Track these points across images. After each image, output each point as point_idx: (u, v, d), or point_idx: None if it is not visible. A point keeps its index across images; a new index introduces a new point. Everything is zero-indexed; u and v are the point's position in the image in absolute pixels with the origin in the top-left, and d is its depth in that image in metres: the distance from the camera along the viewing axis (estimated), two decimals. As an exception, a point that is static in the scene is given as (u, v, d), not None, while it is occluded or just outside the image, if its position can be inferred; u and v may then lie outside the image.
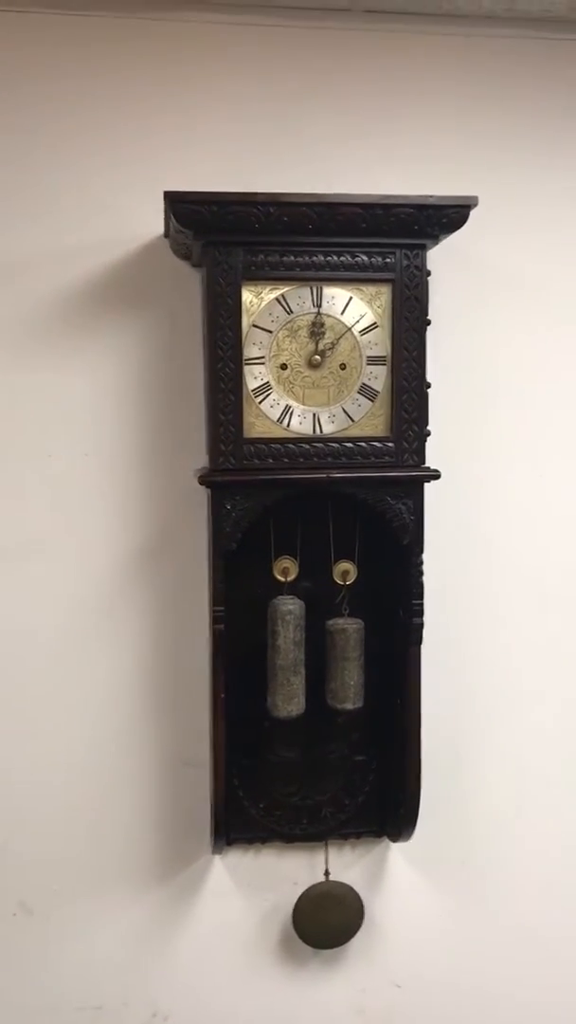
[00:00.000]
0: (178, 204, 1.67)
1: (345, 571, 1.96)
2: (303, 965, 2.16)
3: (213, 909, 2.14)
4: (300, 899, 2.10)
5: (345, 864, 2.17)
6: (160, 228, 1.98)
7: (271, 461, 1.80)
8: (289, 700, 1.91)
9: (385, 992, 2.23)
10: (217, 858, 2.13)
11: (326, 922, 2.11)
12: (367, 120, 2.04)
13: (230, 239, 1.73)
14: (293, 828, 2.11)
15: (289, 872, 2.16)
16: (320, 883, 2.11)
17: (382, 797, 2.12)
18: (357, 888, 2.13)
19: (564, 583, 2.20)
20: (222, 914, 2.14)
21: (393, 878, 2.20)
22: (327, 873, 2.12)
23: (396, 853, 2.20)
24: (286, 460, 1.80)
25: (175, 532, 2.05)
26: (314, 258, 1.78)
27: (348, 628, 1.93)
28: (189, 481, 2.01)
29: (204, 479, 1.77)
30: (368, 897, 2.16)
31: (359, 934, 2.14)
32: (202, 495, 2.01)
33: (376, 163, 2.02)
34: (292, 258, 1.77)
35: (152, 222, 1.97)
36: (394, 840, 2.06)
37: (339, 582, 1.97)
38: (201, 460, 2.02)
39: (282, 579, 1.95)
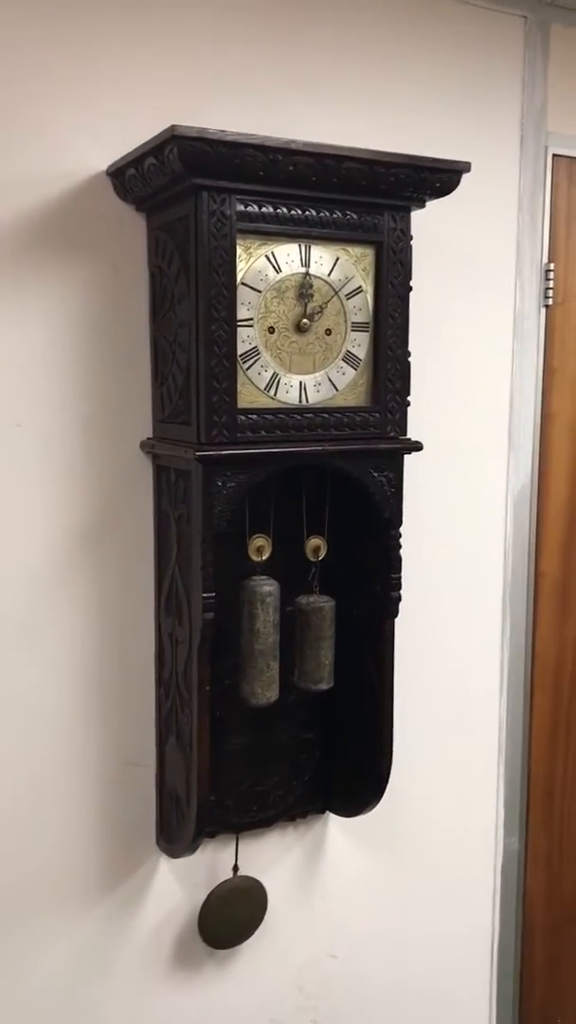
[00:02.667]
0: (186, 141, 1.48)
1: (316, 547, 1.90)
2: (237, 955, 2.12)
3: (156, 913, 2.02)
4: (207, 900, 2.04)
5: (287, 846, 2.14)
6: (100, 163, 1.75)
7: (264, 433, 1.69)
8: (268, 687, 1.84)
9: (323, 964, 2.25)
10: (162, 860, 2.00)
11: (234, 918, 2.06)
12: (319, 65, 1.95)
13: (228, 185, 1.58)
14: (243, 817, 2.04)
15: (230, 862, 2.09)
16: (227, 880, 2.06)
17: (326, 774, 2.11)
18: (295, 866, 2.12)
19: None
20: (163, 916, 2.03)
21: (333, 853, 2.22)
22: (235, 868, 2.06)
23: (335, 828, 2.21)
24: (278, 432, 1.70)
25: (116, 509, 1.86)
26: (307, 212, 1.68)
27: (324, 607, 1.88)
28: (133, 453, 1.84)
29: (200, 454, 1.62)
30: (306, 876, 2.16)
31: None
32: (146, 468, 1.85)
33: (326, 116, 1.95)
34: (285, 211, 1.66)
35: (90, 156, 1.74)
36: (353, 815, 2.06)
37: (310, 558, 1.91)
38: (145, 429, 1.85)
39: (257, 558, 1.85)
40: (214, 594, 1.69)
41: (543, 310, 2.31)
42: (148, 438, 1.86)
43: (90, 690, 1.87)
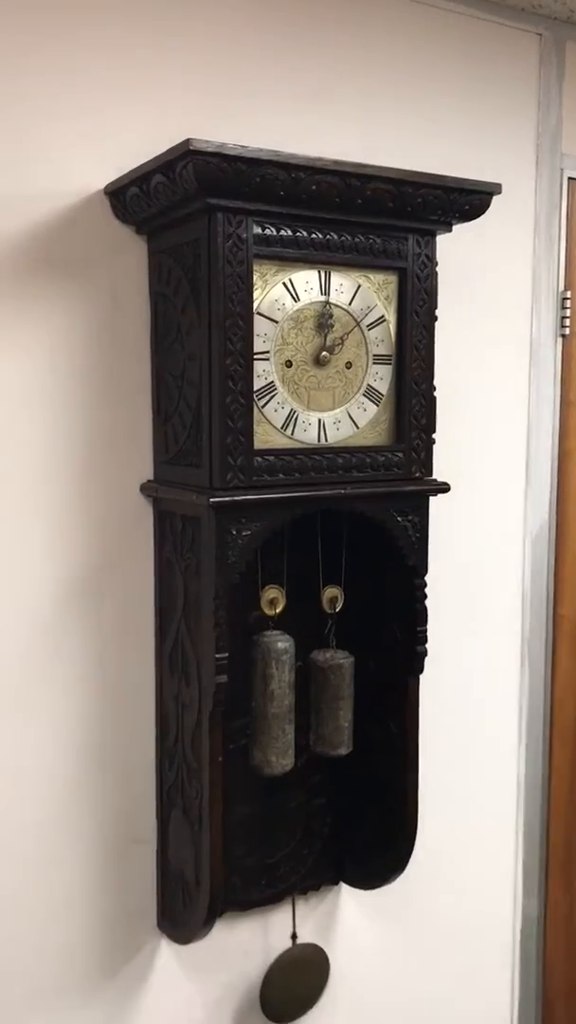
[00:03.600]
0: (202, 157, 1.35)
1: (333, 598, 1.76)
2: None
3: (163, 1003, 1.85)
4: (269, 971, 1.89)
5: (299, 919, 1.99)
6: (96, 182, 1.62)
7: (281, 476, 1.55)
8: (284, 754, 1.69)
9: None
10: (163, 943, 1.83)
11: (294, 991, 1.92)
12: (326, 84, 1.84)
13: (245, 206, 1.45)
14: (250, 893, 1.88)
15: (242, 942, 1.93)
16: (288, 949, 1.91)
17: (340, 842, 1.97)
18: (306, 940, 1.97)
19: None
20: (172, 1008, 1.86)
21: (346, 924, 2.06)
22: (294, 936, 1.92)
23: (347, 896, 2.06)
24: (297, 475, 1.57)
25: (114, 557, 1.72)
26: (328, 236, 1.55)
27: (343, 664, 1.74)
28: (132, 496, 1.70)
29: (215, 500, 1.47)
30: (330, 951, 2.00)
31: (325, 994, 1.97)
32: (145, 512, 1.71)
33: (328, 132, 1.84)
34: (305, 235, 1.53)
35: (85, 174, 1.61)
36: (371, 887, 1.91)
37: (327, 610, 1.77)
38: (144, 471, 1.71)
39: (270, 612, 1.70)
40: (227, 655, 1.54)
41: (559, 340, 2.21)
42: (149, 480, 1.72)
43: (86, 756, 1.71)
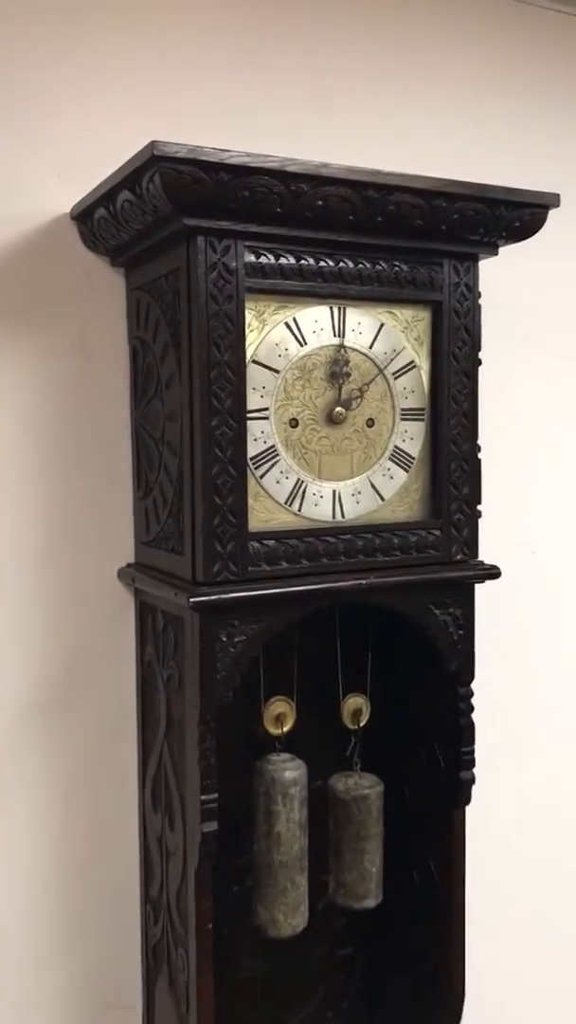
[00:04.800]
0: (170, 164, 1.07)
1: (357, 709, 1.44)
2: None
3: None
4: None
5: None
6: (62, 204, 1.35)
7: (284, 565, 1.25)
8: (294, 911, 1.37)
9: None
10: None
11: None
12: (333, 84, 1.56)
13: (233, 227, 1.16)
14: (261, 1070, 1.54)
15: None
16: None
17: (371, 1001, 1.62)
18: None
19: None
20: None
21: None
22: None
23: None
24: (304, 561, 1.26)
25: (89, 660, 1.43)
26: (341, 264, 1.26)
27: (370, 794, 1.41)
28: (109, 584, 1.40)
29: (196, 600, 1.17)
30: None
31: None
32: (127, 602, 1.41)
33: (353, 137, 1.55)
34: (311, 262, 1.24)
35: (49, 195, 1.34)
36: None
37: (349, 725, 1.44)
38: (125, 552, 1.41)
39: (276, 731, 1.38)
40: (216, 796, 1.22)
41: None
42: (128, 565, 1.42)
43: (58, 904, 1.41)
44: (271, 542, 1.24)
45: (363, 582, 1.29)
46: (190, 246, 1.17)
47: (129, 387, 1.42)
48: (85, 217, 1.33)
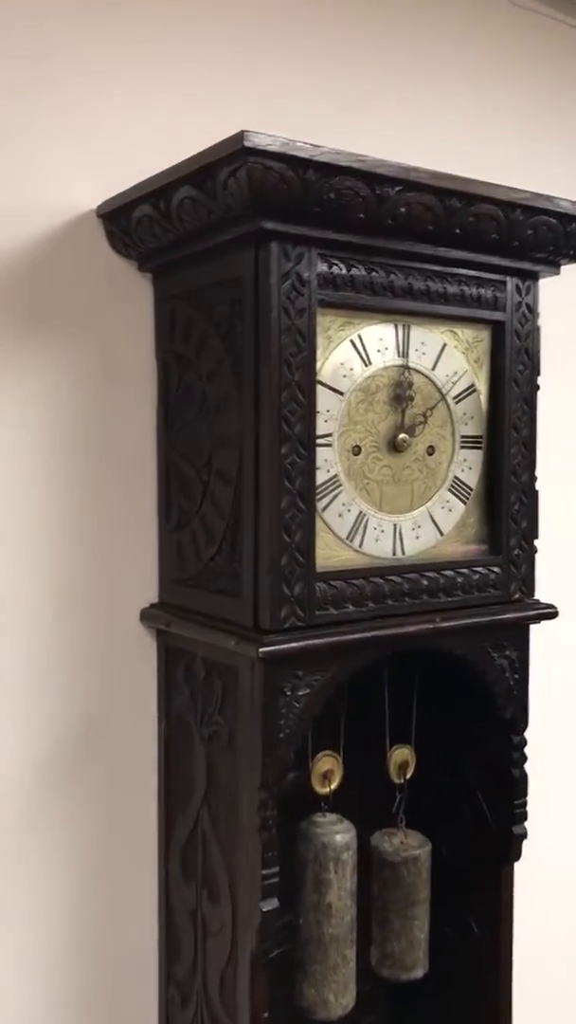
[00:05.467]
0: (259, 159, 0.95)
1: (404, 762, 1.34)
2: None
3: None
4: None
5: None
6: (87, 200, 1.21)
7: (351, 608, 1.14)
8: (345, 989, 1.25)
9: None
10: None
11: None
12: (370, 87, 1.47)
13: (309, 233, 1.05)
14: None
15: None
16: None
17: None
18: None
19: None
20: None
21: None
22: None
23: None
24: (370, 604, 1.16)
25: (101, 712, 1.27)
26: (410, 279, 1.16)
27: (420, 854, 1.31)
28: (127, 627, 1.27)
29: (267, 651, 1.05)
30: None
31: None
32: (146, 648, 1.27)
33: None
34: (381, 275, 1.14)
35: (70, 188, 1.21)
36: None
37: (394, 778, 1.33)
38: (146, 592, 1.28)
39: (322, 789, 1.27)
40: (278, 870, 1.10)
41: None
42: (153, 606, 1.28)
43: (66, 980, 1.25)
44: (338, 583, 1.13)
45: (431, 626, 1.19)
46: (260, 252, 1.05)
47: (156, 407, 1.28)
48: (119, 215, 1.19)
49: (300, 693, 1.10)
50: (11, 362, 1.19)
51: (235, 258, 1.09)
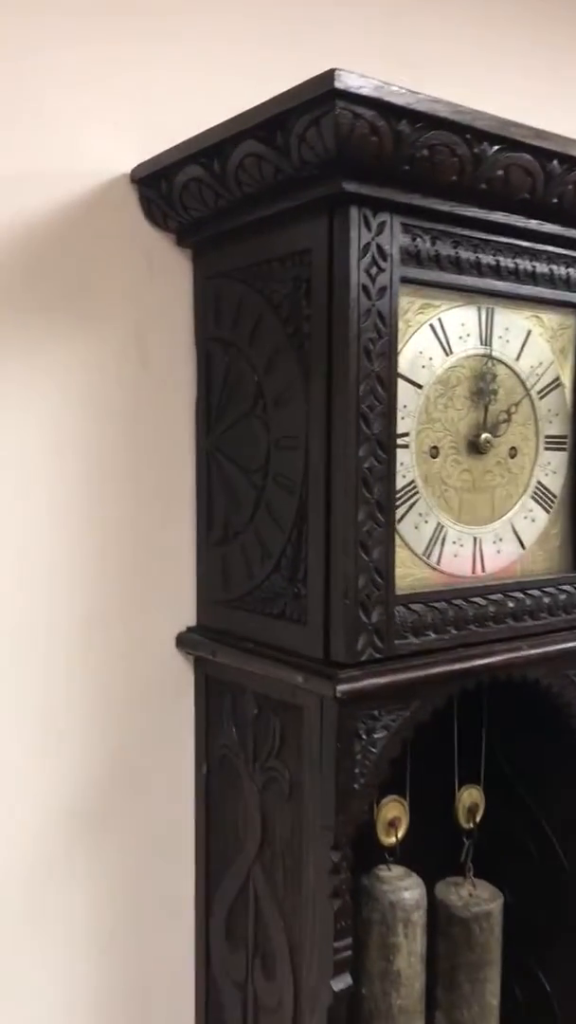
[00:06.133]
0: (349, 105, 0.80)
1: (473, 805, 1.19)
2: None
3: None
4: None
5: None
6: (118, 163, 1.05)
7: (432, 636, 0.99)
8: (416, 1068, 1.09)
9: None
10: None
11: None
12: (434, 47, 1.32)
13: (394, 197, 0.90)
14: None
15: None
16: None
17: None
18: None
19: None
20: None
21: None
22: None
23: None
24: (452, 631, 1.01)
25: (137, 757, 1.11)
26: (498, 257, 1.02)
27: (492, 909, 1.17)
28: (159, 651, 1.10)
29: (346, 688, 0.89)
30: None
31: None
32: (183, 676, 1.12)
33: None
34: (469, 252, 0.99)
35: (97, 148, 1.05)
36: None
37: (463, 823, 1.19)
38: (182, 613, 1.12)
39: (387, 839, 1.12)
40: (351, 942, 0.95)
41: None
42: (190, 629, 1.13)
43: None
44: (418, 606, 0.98)
45: (519, 654, 1.04)
46: (336, 220, 0.90)
47: (196, 402, 1.12)
48: (158, 179, 1.03)
49: (377, 736, 0.95)
50: (32, 354, 1.03)
51: (303, 227, 0.94)
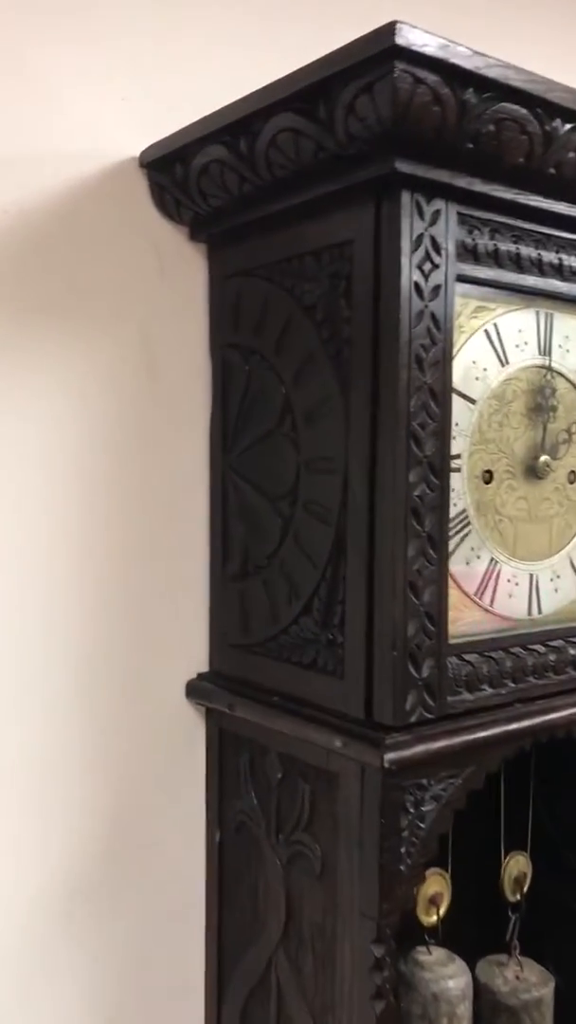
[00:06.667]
0: (409, 66, 0.67)
1: (520, 875, 1.05)
2: None
3: None
4: None
5: None
6: (127, 146, 0.92)
7: (487, 690, 0.86)
8: None
9: None
10: None
11: None
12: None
13: (453, 181, 0.77)
14: None
15: None
16: None
17: None
18: None
19: None
20: None
21: None
22: None
23: None
24: (510, 684, 0.88)
25: (140, 824, 0.97)
26: (560, 254, 0.89)
27: (544, 996, 1.03)
28: (167, 701, 0.97)
29: (394, 757, 0.76)
30: None
31: None
32: (193, 728, 0.98)
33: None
34: (530, 249, 0.87)
35: (101, 128, 0.92)
36: None
37: (508, 895, 1.05)
38: (192, 658, 0.99)
39: (428, 919, 0.98)
40: (398, 1049, 0.81)
41: None
42: (201, 676, 0.99)
43: None
44: (472, 656, 0.85)
45: (583, 710, 0.91)
46: (384, 207, 0.77)
47: (210, 417, 0.99)
48: (171, 163, 0.90)
49: (425, 809, 0.82)
50: (23, 369, 0.89)
51: (344, 216, 0.81)
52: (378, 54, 0.67)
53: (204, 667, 1.01)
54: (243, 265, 0.94)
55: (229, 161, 0.84)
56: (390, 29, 0.66)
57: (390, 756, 0.77)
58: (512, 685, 0.88)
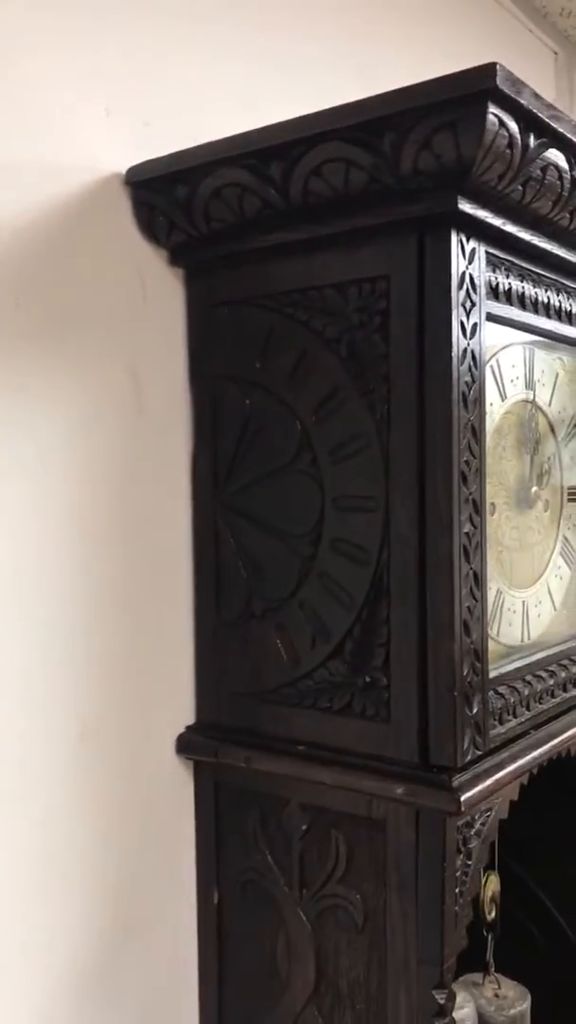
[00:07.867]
0: (497, 111, 0.69)
1: (495, 893, 1.09)
2: None
3: None
4: None
5: None
6: (110, 161, 0.87)
7: (513, 720, 0.89)
8: None
9: None
10: None
11: None
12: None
13: (494, 221, 0.80)
14: None
15: None
16: None
17: None
18: None
19: None
20: None
21: None
22: None
23: None
24: (526, 712, 0.92)
25: (138, 896, 0.91)
26: (550, 293, 0.95)
27: (524, 1011, 1.08)
28: (152, 759, 0.93)
29: (470, 798, 0.77)
30: None
31: None
32: (181, 788, 0.94)
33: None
34: (539, 287, 0.92)
35: (84, 140, 0.85)
36: None
37: (486, 915, 1.09)
38: (177, 711, 0.95)
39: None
40: None
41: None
42: (189, 728, 0.94)
43: None
44: (503, 688, 0.87)
45: (582, 729, 0.96)
46: (430, 243, 0.78)
47: (192, 453, 0.94)
48: (172, 183, 0.85)
49: (471, 846, 0.83)
50: (31, 391, 0.80)
51: (373, 250, 0.80)
52: (474, 94, 0.67)
53: (190, 719, 0.95)
54: (237, 294, 0.90)
55: (251, 185, 0.80)
56: (490, 71, 0.66)
57: (465, 797, 0.77)
58: (527, 712, 0.91)
